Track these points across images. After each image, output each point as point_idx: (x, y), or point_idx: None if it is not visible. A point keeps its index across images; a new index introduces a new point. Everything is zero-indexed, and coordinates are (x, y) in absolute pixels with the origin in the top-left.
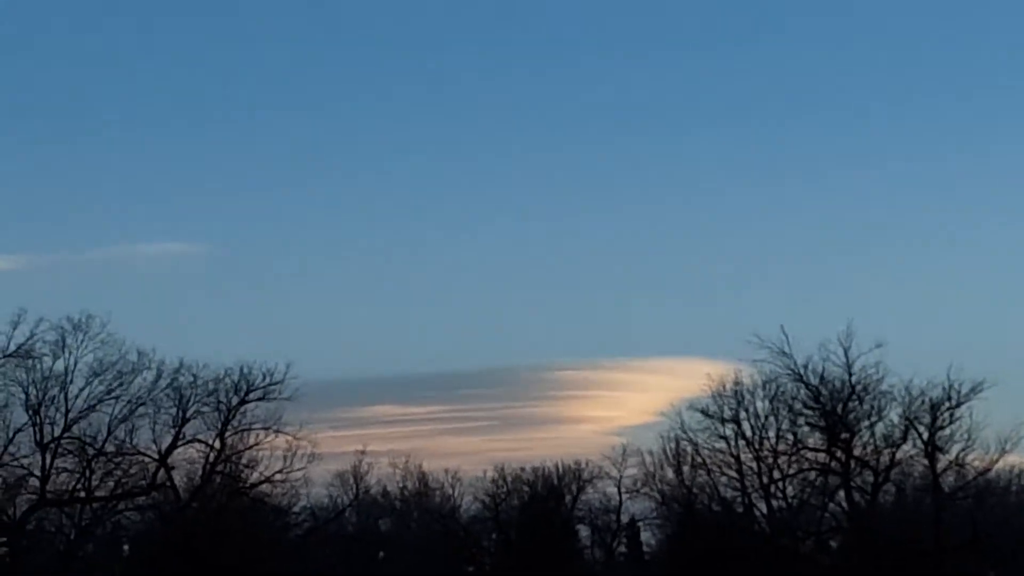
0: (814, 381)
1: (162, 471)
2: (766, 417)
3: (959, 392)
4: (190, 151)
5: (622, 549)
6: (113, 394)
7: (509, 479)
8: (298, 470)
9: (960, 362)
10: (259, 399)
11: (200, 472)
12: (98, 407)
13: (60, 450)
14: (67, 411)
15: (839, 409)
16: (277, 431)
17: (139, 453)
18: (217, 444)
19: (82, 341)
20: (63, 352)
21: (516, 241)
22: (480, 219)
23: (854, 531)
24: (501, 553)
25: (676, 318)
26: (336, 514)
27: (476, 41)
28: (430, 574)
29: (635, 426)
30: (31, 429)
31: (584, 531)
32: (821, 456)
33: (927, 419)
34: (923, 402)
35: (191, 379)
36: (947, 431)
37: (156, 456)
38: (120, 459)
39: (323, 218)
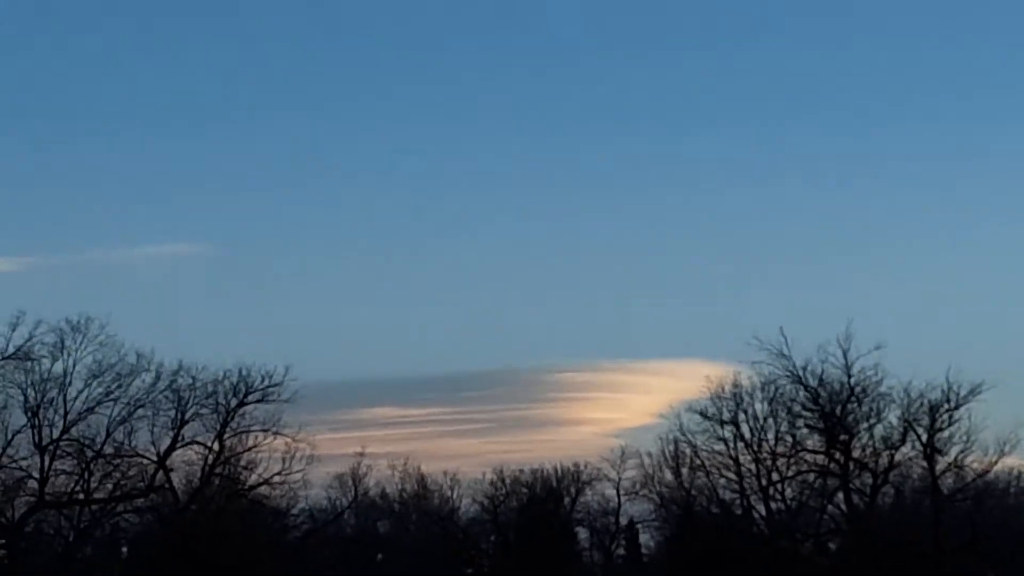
0: (813, 383)
1: (161, 473)
2: (765, 419)
3: (958, 394)
4: (190, 151)
5: (621, 551)
6: (112, 396)
7: (508, 481)
8: (297, 472)
9: (959, 364)
10: (258, 401)
11: (199, 474)
12: (97, 409)
13: (59, 452)
14: (66, 413)
15: (838, 411)
16: (276, 433)
17: (138, 455)
18: (216, 446)
19: (81, 343)
20: (62, 354)
21: (516, 241)
22: (480, 219)
23: (853, 533)
24: (500, 555)
25: (676, 319)
26: (335, 516)
27: (476, 41)
28: None
29: (634, 428)
30: (30, 431)
31: (583, 533)
32: (820, 458)
33: (926, 421)
34: (922, 404)
35: (190, 381)
36: (946, 433)
37: (155, 458)
38: (119, 461)
39: (323, 218)
